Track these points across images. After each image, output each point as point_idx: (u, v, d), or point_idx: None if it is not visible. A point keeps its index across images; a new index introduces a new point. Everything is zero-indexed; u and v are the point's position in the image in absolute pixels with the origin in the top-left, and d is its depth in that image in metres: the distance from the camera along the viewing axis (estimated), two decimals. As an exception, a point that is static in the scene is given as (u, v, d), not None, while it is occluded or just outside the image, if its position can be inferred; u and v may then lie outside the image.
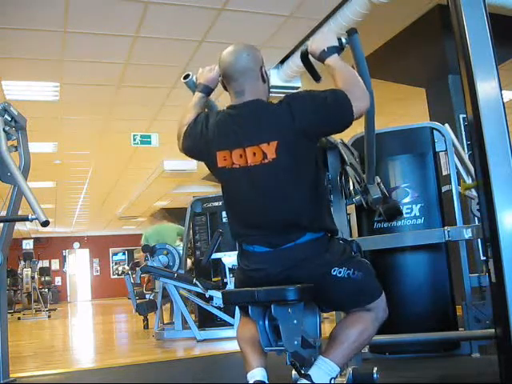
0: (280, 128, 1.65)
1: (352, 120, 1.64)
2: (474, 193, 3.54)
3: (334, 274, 1.64)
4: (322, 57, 1.75)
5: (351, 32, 1.82)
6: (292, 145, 1.64)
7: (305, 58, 1.89)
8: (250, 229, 1.72)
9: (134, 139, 7.45)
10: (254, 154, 1.66)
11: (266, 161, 1.64)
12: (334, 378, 1.61)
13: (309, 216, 1.67)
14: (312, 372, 1.60)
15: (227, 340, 4.49)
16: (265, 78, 1.79)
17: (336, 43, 1.76)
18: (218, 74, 1.90)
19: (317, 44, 1.78)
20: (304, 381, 1.58)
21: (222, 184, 1.81)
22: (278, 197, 1.67)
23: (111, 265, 20.51)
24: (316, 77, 1.93)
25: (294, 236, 1.65)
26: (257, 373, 1.71)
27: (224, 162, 1.72)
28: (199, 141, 1.80)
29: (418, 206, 3.00)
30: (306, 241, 1.65)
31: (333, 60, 1.73)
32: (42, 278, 13.94)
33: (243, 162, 1.68)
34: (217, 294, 4.68)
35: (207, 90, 1.96)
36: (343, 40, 1.79)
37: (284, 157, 1.64)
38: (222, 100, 1.84)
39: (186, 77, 2.06)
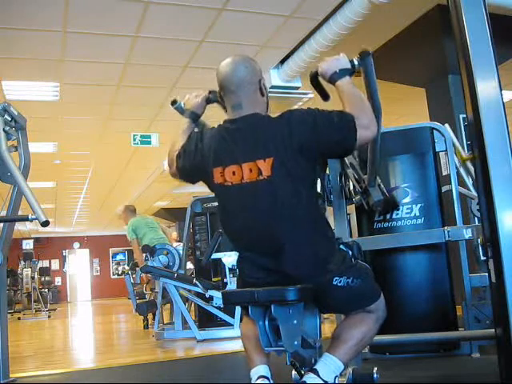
0: (277, 144, 1.61)
1: (354, 146, 1.61)
2: (474, 192, 3.54)
3: (335, 283, 1.64)
4: (333, 79, 1.72)
5: (364, 54, 1.77)
6: (288, 162, 1.61)
7: (315, 78, 1.85)
8: (245, 246, 1.71)
9: (134, 139, 7.44)
10: (251, 170, 1.63)
11: (261, 177, 1.61)
12: (338, 376, 1.63)
13: (302, 238, 1.63)
14: (318, 367, 1.62)
15: (227, 340, 4.49)
16: (263, 92, 1.75)
17: (348, 65, 1.73)
18: (204, 100, 1.91)
19: (328, 65, 1.73)
20: (311, 375, 1.60)
21: (218, 200, 1.78)
22: (270, 215, 1.63)
23: (111, 265, 20.50)
24: (325, 96, 1.89)
25: (289, 253, 1.62)
26: (260, 369, 1.73)
27: (220, 178, 1.69)
28: (194, 157, 1.78)
29: (418, 206, 3.00)
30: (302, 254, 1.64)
31: (344, 82, 1.70)
32: (42, 278, 13.96)
33: (237, 179, 1.65)
34: (217, 294, 4.68)
35: (194, 116, 1.94)
36: (355, 62, 1.76)
37: (279, 174, 1.60)
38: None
39: (174, 103, 2.05)
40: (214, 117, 1.84)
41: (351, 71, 1.73)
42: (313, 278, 1.62)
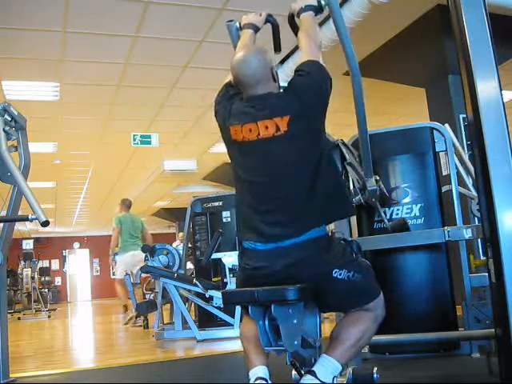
0: (290, 108, 1.73)
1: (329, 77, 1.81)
2: (474, 192, 3.54)
3: (335, 275, 1.66)
4: (299, 13, 1.96)
5: None
6: (303, 121, 1.72)
7: (291, 19, 2.07)
8: (259, 204, 1.74)
9: (134, 139, 7.45)
10: (267, 127, 1.72)
11: (279, 133, 1.71)
12: (336, 377, 1.63)
13: (316, 192, 1.71)
14: (316, 369, 1.62)
15: (227, 340, 4.49)
16: (275, 78, 1.86)
17: (314, 3, 1.95)
18: (265, 18, 2.12)
19: (297, 3, 2.00)
20: (309, 377, 1.60)
21: (233, 157, 1.86)
22: (287, 168, 1.72)
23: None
24: None
25: (297, 226, 1.67)
26: (259, 371, 1.73)
27: (235, 135, 1.79)
28: (222, 115, 1.88)
29: (418, 205, 3.00)
30: (307, 239, 1.67)
31: (306, 16, 1.95)
32: (42, 278, 13.95)
33: (253, 135, 1.74)
34: (217, 294, 4.68)
35: (255, 28, 2.11)
36: (322, 1, 1.95)
37: (296, 130, 1.71)
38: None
39: (230, 21, 2.19)
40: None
41: (316, 8, 1.96)
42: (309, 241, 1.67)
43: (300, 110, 1.73)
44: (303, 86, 1.76)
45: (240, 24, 2.16)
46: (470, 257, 2.86)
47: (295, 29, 2.08)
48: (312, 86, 1.76)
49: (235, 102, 1.87)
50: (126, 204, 7.07)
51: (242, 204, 1.83)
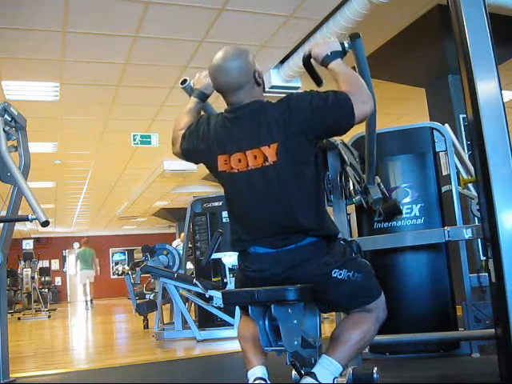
0: (279, 129, 1.64)
1: (353, 123, 1.63)
2: (474, 192, 3.54)
3: (335, 275, 1.65)
4: (325, 61, 1.74)
5: (354, 36, 1.81)
6: (292, 146, 1.64)
7: (307, 62, 1.88)
8: (252, 233, 1.71)
9: (134, 139, 7.45)
10: (255, 157, 1.66)
11: (267, 163, 1.64)
12: (336, 378, 1.62)
13: (309, 219, 1.66)
14: (316, 370, 1.61)
15: (227, 340, 4.49)
16: (259, 82, 1.77)
17: (339, 48, 1.76)
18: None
19: (320, 49, 1.76)
20: (309, 379, 1.59)
21: (223, 187, 1.82)
22: (278, 200, 1.66)
23: (111, 265, 20.49)
24: (318, 81, 1.92)
25: (295, 239, 1.66)
26: (257, 371, 1.72)
27: (224, 165, 1.72)
28: (201, 142, 1.80)
29: (418, 205, 3.00)
30: (307, 243, 1.66)
31: (336, 64, 1.73)
32: (42, 278, 13.95)
33: (242, 166, 1.68)
34: (217, 294, 4.68)
35: (203, 97, 1.96)
36: (346, 45, 1.79)
37: (284, 159, 1.63)
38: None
39: (184, 82, 2.06)
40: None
41: (342, 53, 1.78)
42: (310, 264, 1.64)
43: (290, 136, 1.62)
44: (303, 105, 1.63)
45: (193, 83, 2.01)
46: (460, 177, 2.76)
47: (312, 72, 1.91)
48: (316, 110, 1.61)
49: (211, 122, 1.77)
50: (84, 241, 13.28)
51: (235, 232, 1.78)
